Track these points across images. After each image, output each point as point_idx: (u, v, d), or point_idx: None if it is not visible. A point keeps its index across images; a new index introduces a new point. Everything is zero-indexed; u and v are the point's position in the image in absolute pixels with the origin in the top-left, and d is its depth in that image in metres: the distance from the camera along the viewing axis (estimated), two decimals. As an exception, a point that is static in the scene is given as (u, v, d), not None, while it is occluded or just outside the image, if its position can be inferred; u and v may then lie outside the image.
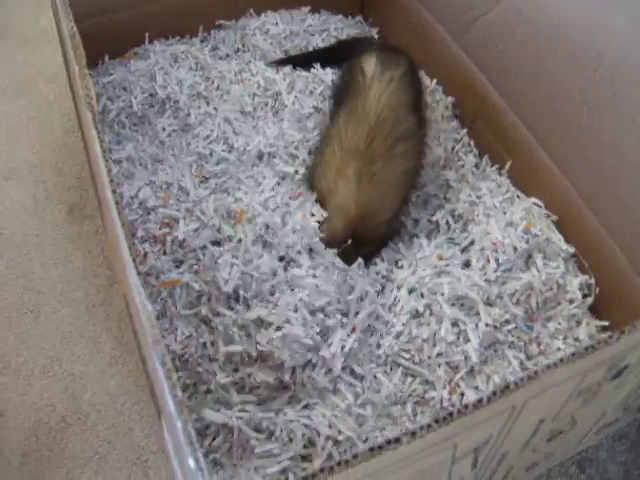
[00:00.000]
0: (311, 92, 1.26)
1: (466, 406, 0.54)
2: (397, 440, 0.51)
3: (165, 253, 1.01)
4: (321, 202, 1.05)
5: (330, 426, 0.85)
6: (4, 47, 1.57)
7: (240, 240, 0.98)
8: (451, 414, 0.53)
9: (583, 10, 0.95)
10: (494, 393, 0.55)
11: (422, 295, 0.99)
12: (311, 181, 1.09)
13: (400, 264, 1.06)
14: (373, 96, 1.05)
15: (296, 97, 1.24)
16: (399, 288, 1.01)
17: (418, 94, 1.13)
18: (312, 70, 1.28)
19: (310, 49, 1.35)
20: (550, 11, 1.00)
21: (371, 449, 0.50)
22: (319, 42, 1.36)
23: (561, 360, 0.58)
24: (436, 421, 0.53)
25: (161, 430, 0.72)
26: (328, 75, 1.27)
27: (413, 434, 0.52)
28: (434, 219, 1.11)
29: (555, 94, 1.03)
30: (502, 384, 0.57)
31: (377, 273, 1.04)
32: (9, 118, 1.41)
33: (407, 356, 0.95)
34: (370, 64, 1.09)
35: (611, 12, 0.92)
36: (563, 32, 0.98)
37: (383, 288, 1.02)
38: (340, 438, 0.84)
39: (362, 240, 1.03)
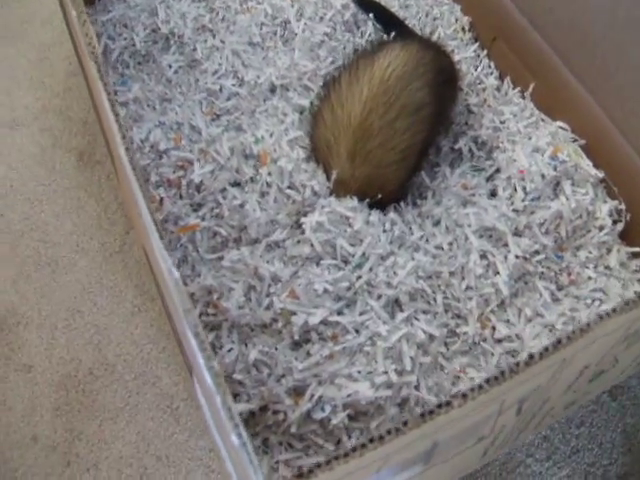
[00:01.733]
0: (321, 18, 1.23)
1: (517, 364, 0.55)
2: (448, 404, 0.52)
3: (182, 197, 1.02)
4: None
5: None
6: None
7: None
8: (502, 373, 0.54)
9: None
10: (546, 349, 0.56)
11: (447, 228, 0.99)
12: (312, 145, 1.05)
13: (424, 195, 1.06)
14: (383, 62, 0.98)
15: (306, 24, 1.22)
16: (424, 219, 1.02)
17: (447, 82, 1.05)
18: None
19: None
20: None
21: (422, 415, 0.51)
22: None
23: (614, 310, 0.59)
24: (487, 381, 0.54)
25: (191, 382, 0.73)
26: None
27: (464, 396, 0.53)
28: (456, 147, 1.10)
29: (582, 11, 1.00)
30: (554, 340, 0.57)
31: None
32: (8, 65, 1.40)
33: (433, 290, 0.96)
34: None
35: None
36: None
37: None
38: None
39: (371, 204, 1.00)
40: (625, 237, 1.05)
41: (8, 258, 1.16)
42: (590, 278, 1.00)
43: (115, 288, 1.12)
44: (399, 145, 0.97)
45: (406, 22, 1.22)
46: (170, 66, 1.18)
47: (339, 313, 0.90)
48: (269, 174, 1.00)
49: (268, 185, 1.00)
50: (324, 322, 0.88)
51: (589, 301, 0.98)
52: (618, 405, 1.05)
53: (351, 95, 0.97)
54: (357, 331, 0.89)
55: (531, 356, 0.56)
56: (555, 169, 1.03)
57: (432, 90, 0.99)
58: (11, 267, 1.16)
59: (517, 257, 0.96)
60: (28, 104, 1.34)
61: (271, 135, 1.06)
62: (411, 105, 0.97)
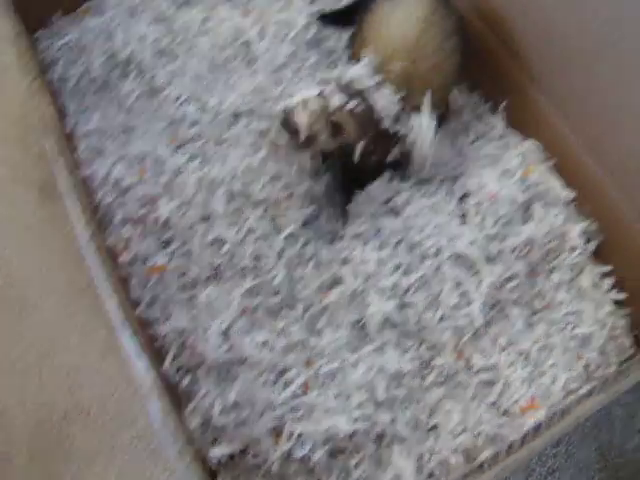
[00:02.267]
0: (283, 38, 1.21)
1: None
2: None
3: (149, 234, 1.01)
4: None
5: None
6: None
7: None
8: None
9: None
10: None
11: (418, 254, 1.00)
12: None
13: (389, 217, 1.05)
14: None
15: (268, 47, 1.20)
16: (390, 244, 1.01)
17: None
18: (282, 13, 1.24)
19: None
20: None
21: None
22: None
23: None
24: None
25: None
26: (302, 17, 1.23)
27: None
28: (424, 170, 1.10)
29: (553, 33, 1.01)
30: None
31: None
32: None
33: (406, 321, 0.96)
34: None
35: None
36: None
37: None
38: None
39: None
40: (597, 256, 1.06)
41: (-28, 301, 1.15)
42: (563, 301, 1.02)
43: (86, 326, 1.11)
44: (448, 67, 1.05)
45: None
46: (130, 94, 1.16)
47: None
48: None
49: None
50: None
51: (563, 325, 1.00)
52: (592, 423, 1.07)
53: (398, 17, 1.04)
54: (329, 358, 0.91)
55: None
56: (525, 191, 1.04)
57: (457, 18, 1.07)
58: (-24, 311, 1.14)
59: (490, 285, 0.97)
60: (-19, 135, 1.31)
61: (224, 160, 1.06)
62: (452, 28, 1.05)
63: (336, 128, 0.99)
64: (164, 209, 1.00)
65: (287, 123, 0.99)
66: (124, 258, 0.98)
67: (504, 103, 1.13)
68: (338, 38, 1.23)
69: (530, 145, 1.10)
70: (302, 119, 0.97)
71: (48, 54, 1.19)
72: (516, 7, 1.06)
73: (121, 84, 1.17)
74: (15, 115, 1.32)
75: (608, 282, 1.05)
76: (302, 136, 0.98)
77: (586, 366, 0.98)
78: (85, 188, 1.04)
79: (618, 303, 1.05)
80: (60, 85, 1.17)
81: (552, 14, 1.00)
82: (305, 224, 1.02)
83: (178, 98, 1.15)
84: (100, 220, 1.02)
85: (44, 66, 1.18)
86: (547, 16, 1.01)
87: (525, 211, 1.04)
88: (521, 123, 1.12)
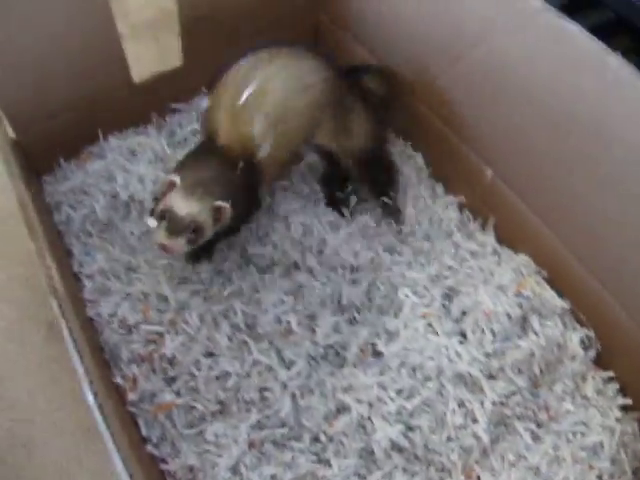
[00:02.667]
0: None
1: None
2: None
3: (155, 372, 1.04)
4: None
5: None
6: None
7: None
8: None
9: (551, 72, 0.99)
10: None
11: (420, 377, 1.02)
12: None
13: (388, 336, 1.08)
14: None
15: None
16: (391, 366, 1.04)
17: None
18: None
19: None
20: (516, 70, 1.04)
21: None
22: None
23: None
24: None
25: None
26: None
27: None
28: (420, 284, 1.14)
29: (530, 151, 1.07)
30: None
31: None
32: (-32, 232, 1.42)
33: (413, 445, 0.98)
34: None
35: (580, 73, 0.96)
36: (532, 92, 1.02)
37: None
38: None
39: None
40: (598, 363, 1.08)
41: (-20, 440, 1.16)
42: (569, 411, 1.03)
43: (96, 468, 1.12)
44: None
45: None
46: (132, 233, 1.21)
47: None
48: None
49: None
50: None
51: (571, 435, 1.01)
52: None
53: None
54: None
55: None
56: (521, 306, 1.07)
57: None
58: (-16, 449, 1.15)
59: (494, 403, 0.99)
60: (-9, 274, 1.36)
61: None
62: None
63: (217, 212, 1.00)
64: (169, 346, 1.03)
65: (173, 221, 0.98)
66: (132, 397, 1.01)
67: (493, 220, 1.18)
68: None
69: (522, 259, 1.14)
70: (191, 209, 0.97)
71: (53, 198, 1.26)
72: (498, 127, 1.11)
73: (123, 224, 1.23)
74: (21, 256, 1.37)
75: (612, 388, 1.06)
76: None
77: (599, 477, 0.99)
78: (91, 327, 1.08)
79: (625, 408, 1.06)
80: (65, 227, 1.23)
81: (526, 130, 1.06)
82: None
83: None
84: (107, 359, 1.06)
85: (50, 209, 1.25)
86: (521, 133, 1.07)
87: (522, 325, 1.07)
88: (511, 238, 1.17)
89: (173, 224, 0.96)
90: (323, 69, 1.12)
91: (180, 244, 0.97)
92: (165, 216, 0.97)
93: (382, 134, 1.26)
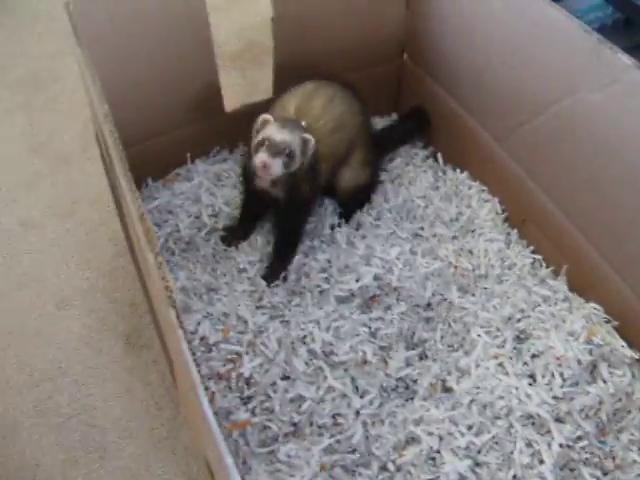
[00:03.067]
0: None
1: None
2: None
3: (231, 390, 1.09)
4: None
5: None
6: (44, 166, 1.68)
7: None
8: None
9: (637, 128, 1.02)
10: None
11: (490, 414, 1.05)
12: None
13: (460, 374, 1.12)
14: None
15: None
16: (462, 402, 1.07)
17: None
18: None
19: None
20: (601, 125, 1.07)
21: None
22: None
23: None
24: None
25: None
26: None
27: None
28: (493, 325, 1.17)
29: (608, 204, 1.10)
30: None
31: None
32: (58, 244, 1.51)
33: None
34: None
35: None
36: (615, 146, 1.05)
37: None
38: None
39: None
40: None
41: (56, 442, 1.22)
42: (635, 462, 1.04)
43: (164, 476, 1.17)
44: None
45: (437, 202, 1.34)
46: (214, 255, 1.27)
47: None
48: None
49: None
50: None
51: (637, 485, 1.03)
52: None
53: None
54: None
55: None
56: (591, 353, 1.10)
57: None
58: (59, 451, 1.21)
59: (561, 445, 1.01)
60: (76, 284, 1.43)
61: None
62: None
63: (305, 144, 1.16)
64: (247, 366, 1.08)
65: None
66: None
67: (565, 268, 1.21)
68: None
69: (592, 308, 1.17)
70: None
71: (139, 216, 1.32)
72: (576, 178, 1.15)
73: (206, 245, 1.29)
74: (106, 268, 1.45)
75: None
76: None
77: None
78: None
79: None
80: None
81: (605, 183, 1.10)
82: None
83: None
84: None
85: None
86: (601, 186, 1.10)
87: (591, 372, 1.09)
88: (582, 286, 1.20)
89: (271, 148, 1.11)
90: (361, 105, 1.32)
91: (277, 164, 1.11)
92: (264, 143, 1.12)
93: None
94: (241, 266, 1.25)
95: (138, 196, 0.79)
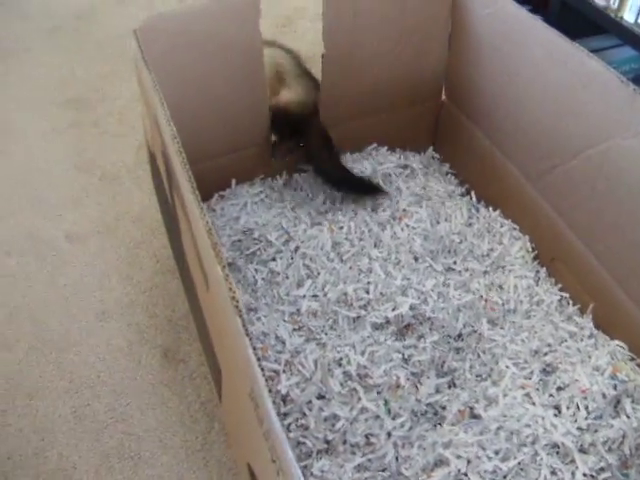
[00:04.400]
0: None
1: None
2: None
3: (269, 406, 1.14)
4: None
5: None
6: (89, 184, 1.76)
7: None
8: None
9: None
10: None
11: (516, 442, 1.09)
12: None
13: (487, 402, 1.16)
14: None
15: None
16: (490, 429, 1.12)
17: None
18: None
19: (394, 186, 1.51)
20: (631, 171, 1.12)
21: None
22: (402, 178, 1.53)
23: None
24: None
25: None
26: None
27: None
28: (521, 358, 1.22)
29: (635, 246, 1.15)
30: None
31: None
32: (101, 259, 1.58)
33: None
34: None
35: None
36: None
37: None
38: None
39: None
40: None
41: (92, 447, 1.28)
42: (655, 495, 1.09)
43: (197, 486, 1.22)
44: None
45: (471, 238, 1.40)
46: (254, 276, 1.34)
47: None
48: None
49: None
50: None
51: (660, 522, 1.07)
52: None
53: None
54: None
55: None
56: (615, 388, 1.14)
57: None
58: (95, 456, 1.27)
59: (585, 475, 1.06)
60: (117, 298, 1.50)
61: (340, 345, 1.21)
62: None
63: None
64: (284, 384, 1.14)
65: None
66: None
67: (591, 306, 1.27)
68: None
69: (617, 345, 1.22)
70: None
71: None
72: (606, 220, 1.21)
73: (247, 266, 1.35)
74: (146, 284, 1.52)
75: None
76: None
77: None
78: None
79: None
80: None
81: (631, 232, 1.15)
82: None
83: (298, 285, 1.32)
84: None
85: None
86: (631, 228, 1.16)
87: (615, 406, 1.13)
88: (608, 323, 1.25)
89: None
90: None
91: None
92: None
93: None
94: (282, 288, 1.31)
95: (205, 213, 0.86)
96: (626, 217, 1.16)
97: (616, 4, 1.62)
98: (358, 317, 1.25)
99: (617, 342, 1.22)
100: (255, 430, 0.79)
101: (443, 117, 1.59)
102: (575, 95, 1.18)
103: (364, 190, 1.48)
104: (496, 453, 1.08)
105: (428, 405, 1.15)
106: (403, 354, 1.20)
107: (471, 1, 1.37)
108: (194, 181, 0.90)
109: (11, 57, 2.28)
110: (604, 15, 1.66)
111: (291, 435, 1.10)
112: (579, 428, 1.10)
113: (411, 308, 1.24)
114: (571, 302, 1.32)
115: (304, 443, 1.10)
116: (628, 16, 1.61)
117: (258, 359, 0.74)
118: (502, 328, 1.26)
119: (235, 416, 0.99)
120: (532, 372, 1.18)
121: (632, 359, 1.20)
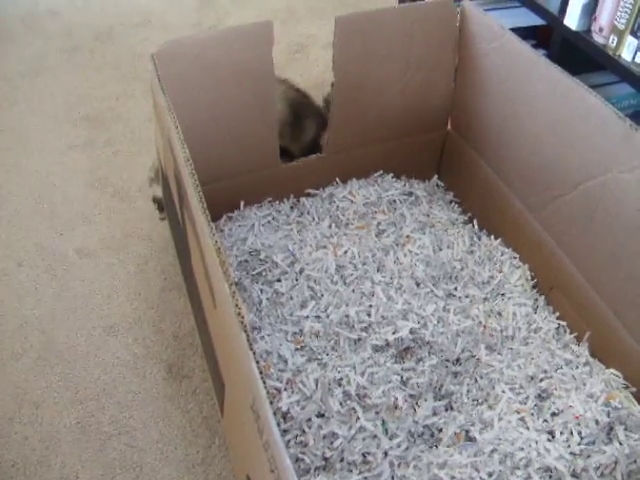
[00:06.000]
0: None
1: None
2: None
3: (267, 422, 1.17)
4: None
5: None
6: (100, 201, 1.80)
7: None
8: None
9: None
10: None
11: (510, 464, 1.12)
12: None
13: (483, 425, 1.19)
14: None
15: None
16: (484, 451, 1.14)
17: None
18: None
19: (398, 213, 1.55)
20: (626, 203, 1.16)
21: None
22: (406, 205, 1.57)
23: None
24: None
25: None
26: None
27: None
28: (517, 383, 1.25)
29: (633, 277, 1.18)
30: None
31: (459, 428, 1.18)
32: (109, 274, 1.62)
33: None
34: None
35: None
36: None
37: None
38: None
39: None
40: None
41: (95, 458, 1.31)
42: (647, 522, 1.11)
43: (197, 499, 1.25)
44: None
45: (469, 268, 1.44)
46: (259, 296, 1.37)
47: None
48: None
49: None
50: None
51: None
52: None
53: None
54: None
55: None
56: (608, 415, 1.17)
57: None
58: (98, 467, 1.29)
59: (576, 501, 1.08)
60: (124, 313, 1.54)
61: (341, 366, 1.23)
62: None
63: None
64: (285, 402, 1.17)
65: None
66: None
67: (588, 334, 1.30)
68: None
69: (612, 373, 1.24)
70: None
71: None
72: (604, 252, 1.24)
73: (252, 286, 1.39)
74: (153, 301, 1.55)
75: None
76: None
77: None
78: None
79: None
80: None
81: (633, 258, 1.18)
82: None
83: (302, 306, 1.36)
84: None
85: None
86: (629, 261, 1.19)
87: (608, 433, 1.16)
88: (603, 352, 1.28)
89: None
90: None
91: None
92: None
93: None
94: (286, 309, 1.34)
95: (215, 232, 0.90)
96: (623, 249, 1.19)
97: (614, 43, 1.67)
98: (359, 339, 1.29)
99: (612, 370, 1.25)
100: (255, 441, 0.83)
101: (448, 147, 1.64)
102: (575, 129, 1.22)
103: None
104: (490, 475, 1.10)
105: (425, 427, 1.18)
106: (402, 376, 1.23)
107: (477, 35, 1.42)
108: (205, 202, 0.94)
109: (32, 75, 2.34)
110: (603, 53, 1.70)
111: (290, 451, 1.13)
112: (572, 453, 1.13)
113: (411, 332, 1.27)
114: (568, 330, 1.35)
115: (302, 459, 1.13)
116: (626, 54, 1.65)
117: (260, 372, 0.77)
118: (500, 354, 1.29)
119: (236, 429, 1.02)
120: (527, 397, 1.21)
121: (626, 387, 1.23)
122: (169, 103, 1.11)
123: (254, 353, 0.79)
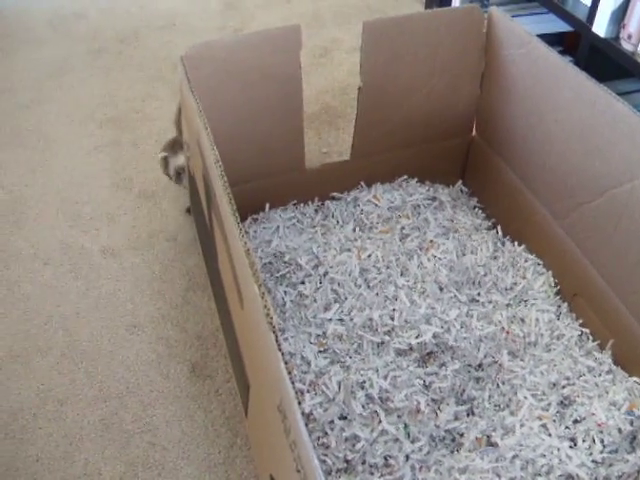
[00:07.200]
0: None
1: None
2: None
3: (290, 423, 1.19)
4: None
5: None
6: (126, 201, 1.83)
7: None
8: None
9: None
10: None
11: (531, 471, 1.13)
12: None
13: (504, 431, 1.20)
14: None
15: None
16: (505, 457, 1.15)
17: None
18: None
19: (422, 218, 1.56)
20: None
21: None
22: (430, 210, 1.57)
23: None
24: None
25: None
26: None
27: None
28: (539, 389, 1.25)
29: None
30: None
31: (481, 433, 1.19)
32: (134, 273, 1.65)
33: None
34: None
35: None
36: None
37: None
38: None
39: None
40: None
41: (118, 455, 1.32)
42: (669, 531, 1.11)
43: (217, 497, 1.26)
44: None
45: (493, 274, 1.43)
46: (283, 298, 1.39)
47: None
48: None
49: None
50: None
51: None
52: None
53: None
54: None
55: None
56: (632, 424, 1.17)
57: None
58: (120, 464, 1.31)
59: (599, 509, 1.09)
60: (148, 312, 1.55)
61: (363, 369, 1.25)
62: None
63: None
64: (308, 403, 1.18)
65: None
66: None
67: (611, 342, 1.30)
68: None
69: (635, 382, 1.25)
70: None
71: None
72: (629, 259, 1.24)
73: (277, 288, 1.40)
74: (177, 301, 1.57)
75: None
76: None
77: None
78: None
79: None
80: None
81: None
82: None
83: (325, 308, 1.37)
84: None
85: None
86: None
87: (631, 442, 1.16)
88: (626, 360, 1.28)
89: None
90: None
91: None
92: None
93: None
94: (309, 311, 1.36)
95: (244, 233, 0.91)
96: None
97: (643, 49, 1.67)
98: (382, 342, 1.30)
99: (635, 379, 1.25)
100: (281, 441, 0.84)
101: (473, 152, 1.65)
102: (602, 136, 1.23)
103: None
104: (511, 480, 1.11)
105: (446, 431, 1.19)
106: (424, 380, 1.24)
107: (504, 41, 1.43)
108: (234, 203, 0.96)
109: (58, 76, 2.38)
110: (631, 60, 1.71)
111: (312, 452, 1.14)
112: (594, 461, 1.13)
113: (434, 336, 1.29)
114: (591, 337, 1.35)
115: (324, 461, 1.14)
116: (653, 62, 1.66)
117: (289, 372, 0.79)
118: (522, 360, 1.30)
119: (261, 429, 1.04)
120: (550, 404, 1.21)
121: (650, 397, 1.24)
122: (199, 105, 1.13)
123: (282, 354, 0.81)
